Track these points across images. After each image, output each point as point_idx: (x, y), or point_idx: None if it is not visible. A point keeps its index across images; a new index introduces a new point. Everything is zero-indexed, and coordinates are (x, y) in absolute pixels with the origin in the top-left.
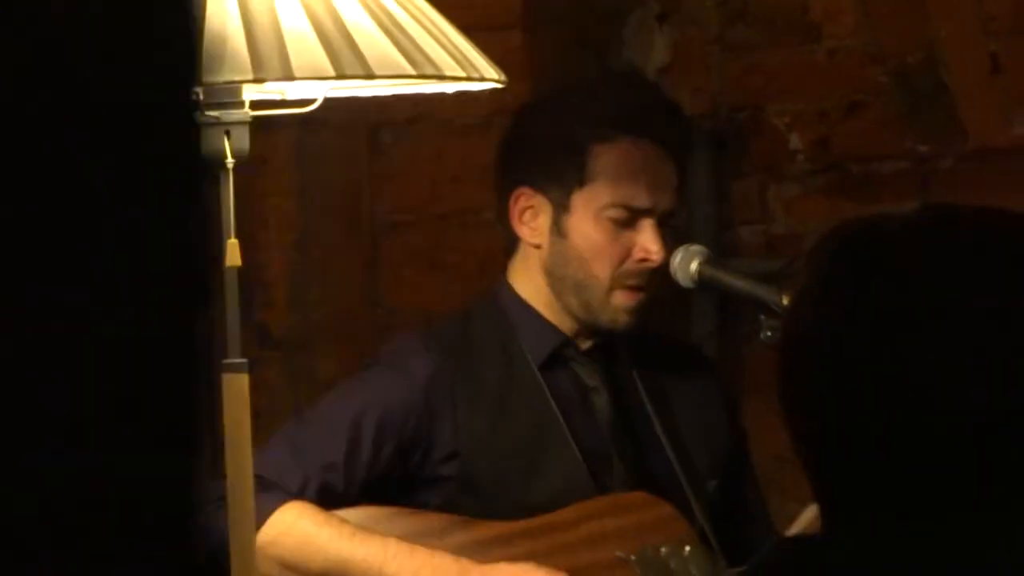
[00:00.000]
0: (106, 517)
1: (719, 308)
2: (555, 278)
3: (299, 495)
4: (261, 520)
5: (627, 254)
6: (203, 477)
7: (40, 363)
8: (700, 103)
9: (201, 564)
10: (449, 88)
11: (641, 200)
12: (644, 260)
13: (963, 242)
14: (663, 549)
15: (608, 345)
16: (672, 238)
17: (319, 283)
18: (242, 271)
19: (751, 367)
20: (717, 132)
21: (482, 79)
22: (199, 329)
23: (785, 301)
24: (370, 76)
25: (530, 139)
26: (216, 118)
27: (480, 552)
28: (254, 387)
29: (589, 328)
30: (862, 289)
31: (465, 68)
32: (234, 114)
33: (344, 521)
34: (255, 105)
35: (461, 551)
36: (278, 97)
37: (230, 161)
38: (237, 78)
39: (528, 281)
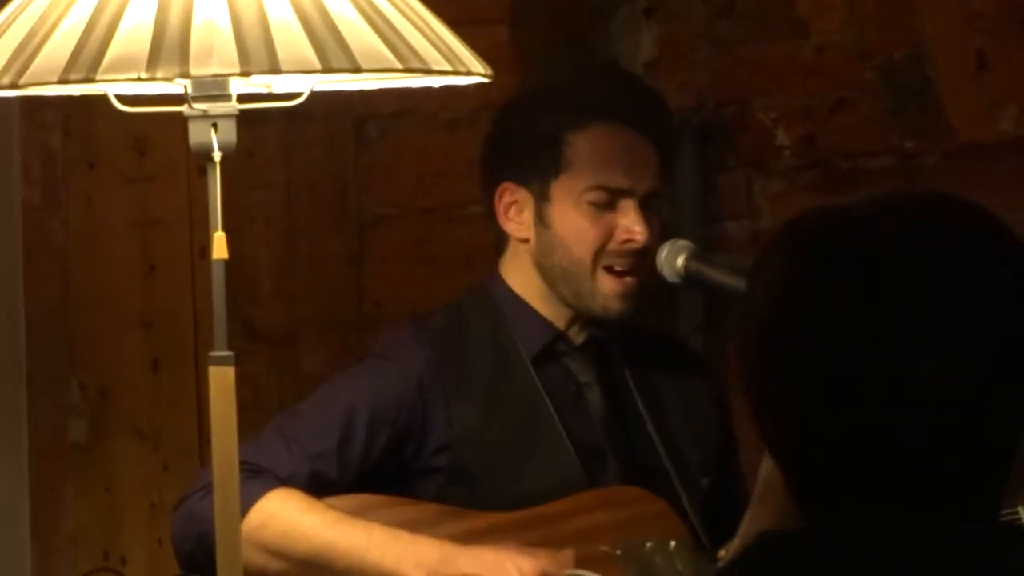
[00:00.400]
0: None
1: (705, 303)
2: (545, 269)
3: (288, 482)
4: (247, 507)
5: (609, 236)
6: None
7: None
8: (687, 98)
9: None
10: (436, 82)
11: (618, 180)
12: (627, 241)
13: (928, 224)
14: (648, 544)
15: (601, 341)
16: (657, 225)
17: (305, 276)
18: (228, 264)
19: (736, 362)
20: (703, 127)
21: (469, 73)
22: None
23: None
24: (357, 70)
25: (509, 134)
26: (204, 111)
27: (470, 542)
28: (239, 380)
29: (583, 318)
30: (830, 276)
31: (452, 62)
32: (221, 107)
33: (330, 508)
34: (242, 98)
35: (451, 541)
36: (265, 91)
37: (217, 154)
38: (224, 71)
39: (520, 275)
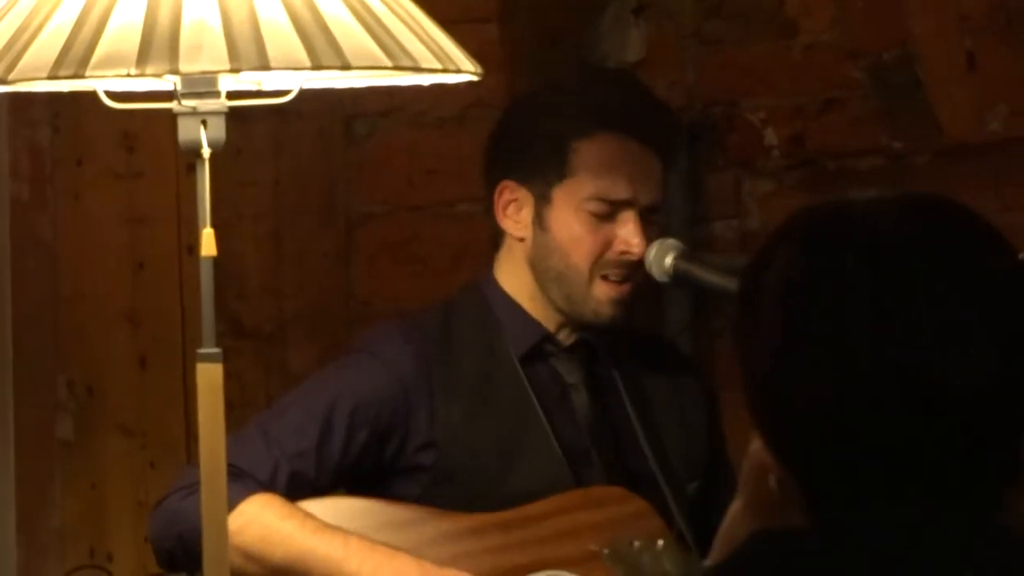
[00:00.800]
0: None
1: (693, 303)
2: (538, 270)
3: (269, 484)
4: (227, 510)
5: (607, 246)
6: None
7: None
8: (675, 97)
9: None
10: (425, 80)
11: (620, 192)
12: (624, 252)
13: (929, 221)
14: (636, 543)
15: (589, 343)
16: (655, 235)
17: (293, 274)
18: (216, 261)
19: (725, 362)
20: (692, 126)
21: (458, 71)
22: None
23: None
24: (346, 67)
25: (515, 133)
26: (193, 108)
27: (451, 544)
28: (226, 377)
29: (573, 321)
30: (844, 274)
31: (441, 60)
32: (211, 104)
33: (309, 515)
34: (231, 95)
35: (433, 542)
36: (254, 87)
37: (206, 151)
38: (214, 68)
39: (513, 275)
